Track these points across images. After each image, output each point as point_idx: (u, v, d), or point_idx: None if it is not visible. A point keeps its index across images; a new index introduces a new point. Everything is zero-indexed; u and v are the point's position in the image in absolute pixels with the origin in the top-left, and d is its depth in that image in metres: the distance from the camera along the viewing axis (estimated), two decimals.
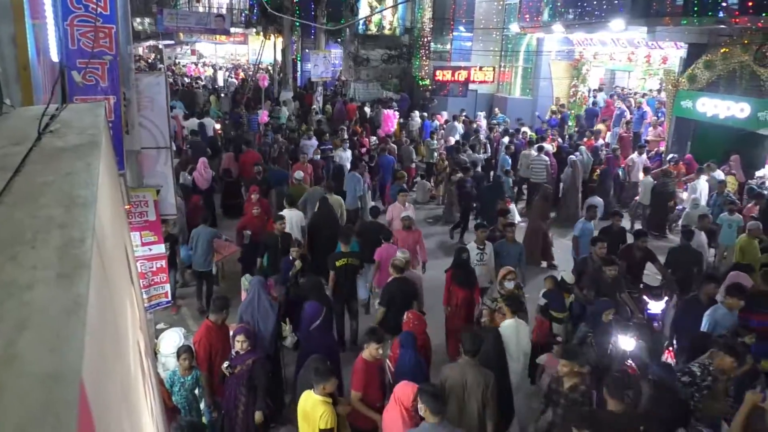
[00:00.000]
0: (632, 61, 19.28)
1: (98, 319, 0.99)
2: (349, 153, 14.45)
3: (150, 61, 37.83)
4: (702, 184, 11.72)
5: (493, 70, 21.96)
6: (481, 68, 21.47)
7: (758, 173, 13.07)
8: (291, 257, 7.69)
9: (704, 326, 6.33)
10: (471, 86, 21.87)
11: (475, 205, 12.36)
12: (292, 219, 9.09)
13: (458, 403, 4.99)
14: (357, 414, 5.30)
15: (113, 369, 1.15)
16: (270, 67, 31.64)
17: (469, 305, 7.47)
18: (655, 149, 15.57)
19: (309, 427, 4.83)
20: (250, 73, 28.90)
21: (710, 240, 9.81)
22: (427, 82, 22.74)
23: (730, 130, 13.46)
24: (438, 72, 21.51)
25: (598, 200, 11.35)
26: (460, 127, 17.68)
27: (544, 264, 10.89)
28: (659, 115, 17.18)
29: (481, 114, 20.75)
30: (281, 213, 9.10)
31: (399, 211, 9.74)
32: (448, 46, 22.92)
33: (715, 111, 13.54)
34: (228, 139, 17.00)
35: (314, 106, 21.40)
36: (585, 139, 15.80)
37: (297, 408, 5.01)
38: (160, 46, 37.07)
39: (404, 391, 4.73)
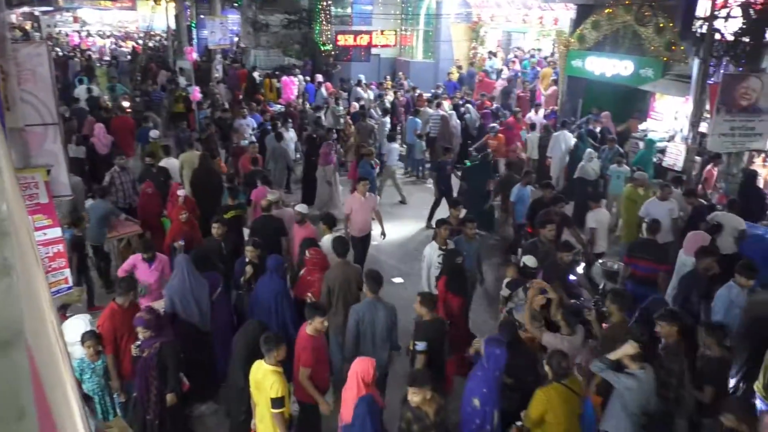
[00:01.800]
0: (527, 23, 19.98)
1: (26, 288, 0.98)
2: (292, 132, 13.61)
3: (27, 29, 34.69)
4: (567, 136, 12.78)
5: (395, 33, 22.03)
6: (382, 32, 21.49)
7: (641, 126, 14.12)
8: (246, 259, 6.82)
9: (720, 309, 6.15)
10: (373, 51, 21.87)
11: (443, 188, 11.33)
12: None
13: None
14: (304, 389, 5.29)
15: (46, 339, 1.14)
16: (163, 35, 29.97)
17: (467, 314, 6.93)
18: (551, 107, 16.39)
19: (261, 396, 4.82)
20: (142, 42, 27.26)
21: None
22: (330, 47, 22.47)
23: (618, 86, 14.38)
24: (340, 37, 21.30)
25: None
26: (362, 92, 17.71)
27: None
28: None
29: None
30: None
31: (359, 203, 8.63)
32: (349, 10, 22.70)
33: (602, 69, 14.40)
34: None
35: (215, 75, 20.63)
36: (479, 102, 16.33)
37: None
38: (36, 13, 34.02)
39: (363, 366, 4.68)
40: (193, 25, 27.56)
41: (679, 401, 5.11)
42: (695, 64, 10.55)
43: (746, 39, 9.62)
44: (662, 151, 12.43)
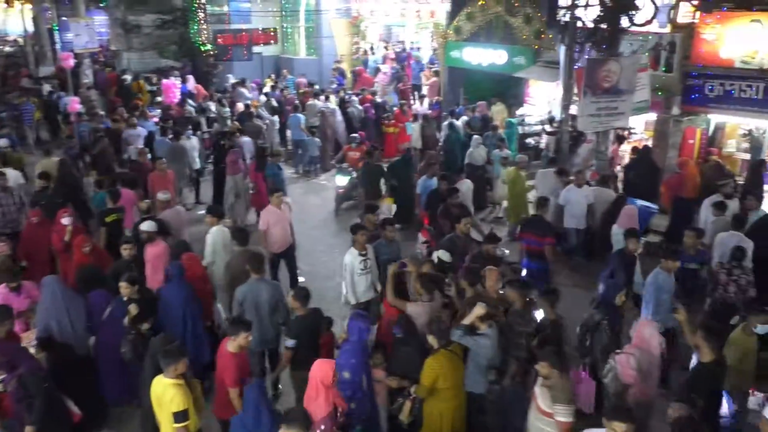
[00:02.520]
0: (405, 17, 20.38)
1: None
2: (195, 140, 12.67)
3: None
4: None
5: (274, 31, 21.70)
6: (263, 30, 21.07)
7: (518, 112, 14.92)
8: (124, 298, 5.94)
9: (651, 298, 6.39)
10: (256, 49, 21.40)
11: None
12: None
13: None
14: (227, 408, 5.03)
15: None
16: (21, 40, 27.51)
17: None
18: (435, 98, 16.89)
19: (163, 412, 4.61)
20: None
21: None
22: (209, 47, 21.69)
23: (495, 75, 15.07)
24: (219, 36, 20.64)
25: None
26: (246, 92, 17.31)
27: None
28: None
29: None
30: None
31: (276, 216, 8.03)
32: (226, 8, 22.04)
33: (479, 59, 15.03)
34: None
35: (85, 81, 19.26)
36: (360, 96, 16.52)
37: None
38: None
39: (322, 368, 4.71)
40: (56, 27, 25.51)
41: (530, 361, 5.37)
42: (562, 50, 11.28)
43: (604, 26, 10.43)
44: (537, 134, 13.26)
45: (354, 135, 13.62)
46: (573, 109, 11.59)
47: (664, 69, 11.55)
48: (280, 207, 8.12)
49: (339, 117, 14.63)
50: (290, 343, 5.56)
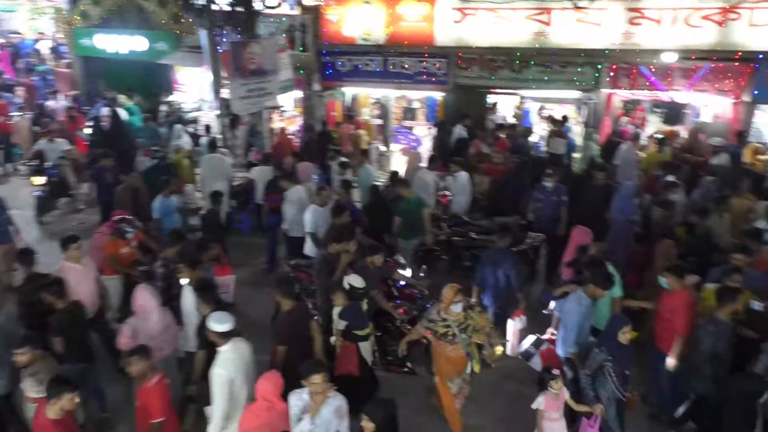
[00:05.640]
0: (16, 1, 17.53)
1: None
2: None
3: None
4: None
5: None
6: None
7: (166, 99, 14.33)
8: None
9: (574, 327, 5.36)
10: None
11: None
12: None
13: None
14: None
15: None
16: None
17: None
18: (69, 92, 15.05)
19: None
20: None
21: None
22: None
23: (139, 63, 14.13)
24: None
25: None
26: None
27: None
28: None
29: None
30: None
31: (77, 275, 6.00)
32: None
33: (116, 46, 13.90)
34: None
35: None
36: None
37: None
38: None
39: (265, 387, 4.22)
40: None
41: None
42: (203, 34, 11.18)
43: (240, 9, 10.68)
44: (195, 121, 13.03)
45: None
46: (225, 93, 11.69)
47: (301, 49, 12.48)
48: (79, 261, 6.14)
49: None
50: None
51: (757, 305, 5.24)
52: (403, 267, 7.45)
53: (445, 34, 11.53)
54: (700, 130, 10.93)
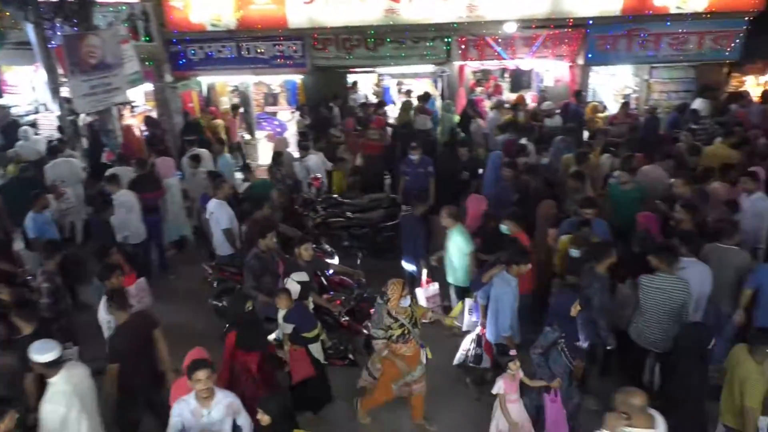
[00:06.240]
0: None
1: None
2: None
3: None
4: None
5: None
6: None
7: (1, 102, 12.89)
8: None
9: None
10: None
11: None
12: None
13: None
14: None
15: None
16: None
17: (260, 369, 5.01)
18: None
19: None
20: None
21: None
22: None
23: None
24: None
25: None
26: None
27: None
28: None
29: None
30: None
31: None
32: None
33: None
34: None
35: None
36: None
37: None
38: None
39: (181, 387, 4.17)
40: None
41: None
42: (30, 29, 10.09)
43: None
44: (33, 124, 11.90)
45: None
46: (65, 92, 10.71)
47: (146, 39, 11.72)
48: None
49: None
50: None
51: (575, 252, 5.66)
52: (331, 255, 7.19)
53: (298, 16, 11.38)
54: (544, 94, 11.84)
